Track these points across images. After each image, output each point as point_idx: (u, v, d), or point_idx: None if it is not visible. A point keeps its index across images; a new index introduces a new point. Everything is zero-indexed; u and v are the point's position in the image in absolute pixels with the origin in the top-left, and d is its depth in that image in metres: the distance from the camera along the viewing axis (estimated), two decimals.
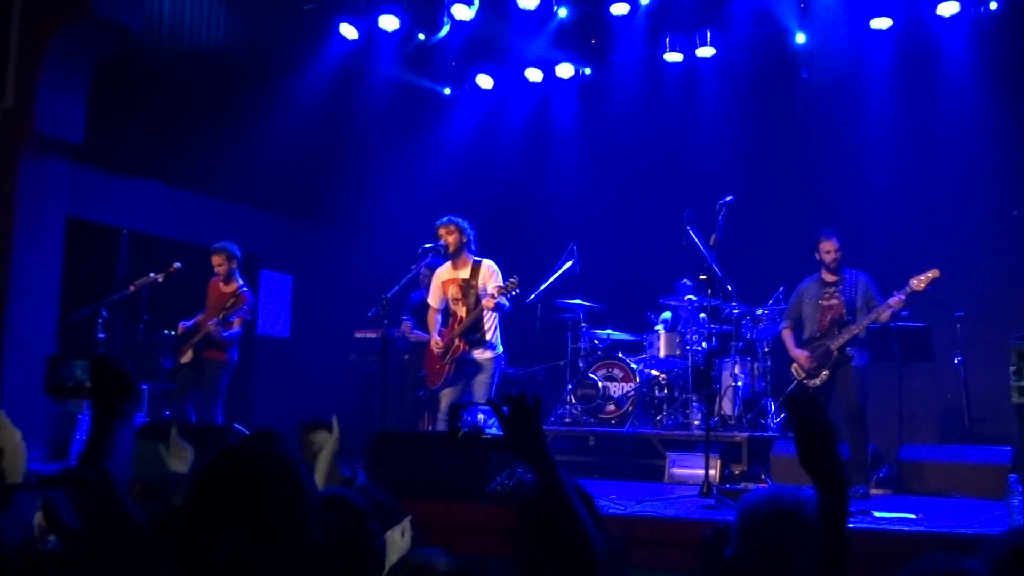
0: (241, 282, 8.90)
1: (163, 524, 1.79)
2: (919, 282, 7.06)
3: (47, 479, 2.14)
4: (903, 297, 7.12)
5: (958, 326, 8.80)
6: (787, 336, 7.73)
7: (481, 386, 7.65)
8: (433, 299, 7.99)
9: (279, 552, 1.71)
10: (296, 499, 1.75)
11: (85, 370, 2.22)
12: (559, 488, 2.27)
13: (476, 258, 7.85)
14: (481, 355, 7.71)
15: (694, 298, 9.24)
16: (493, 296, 7.54)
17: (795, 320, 7.75)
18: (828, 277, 7.57)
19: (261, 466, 1.75)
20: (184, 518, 1.73)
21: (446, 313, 7.94)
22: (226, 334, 8.58)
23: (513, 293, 7.59)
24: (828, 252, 7.50)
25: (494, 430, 2.38)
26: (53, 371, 2.22)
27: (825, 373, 7.34)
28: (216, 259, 8.82)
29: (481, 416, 2.49)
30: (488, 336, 7.71)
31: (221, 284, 8.89)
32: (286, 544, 1.72)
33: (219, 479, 1.74)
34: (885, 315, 7.25)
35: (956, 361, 8.79)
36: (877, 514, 5.64)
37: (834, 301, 7.47)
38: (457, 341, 7.68)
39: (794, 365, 7.58)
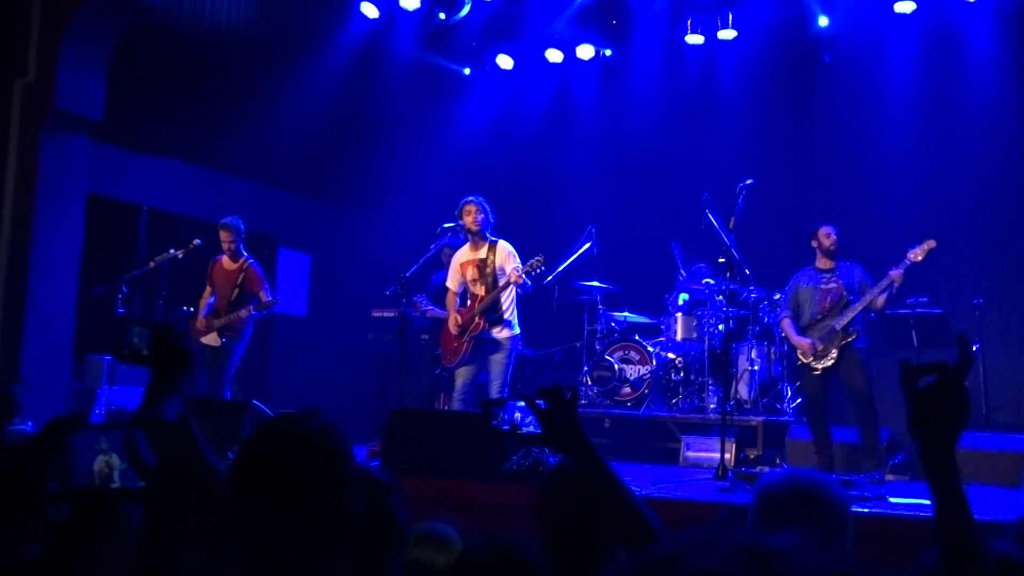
0: (246, 254, 8.90)
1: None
2: (916, 254, 7.10)
3: (124, 421, 2.18)
4: (902, 271, 7.15)
5: (977, 313, 8.77)
6: (787, 325, 7.72)
7: (498, 365, 7.67)
8: (452, 282, 8.01)
9: (322, 521, 1.74)
10: (342, 470, 1.78)
11: (143, 337, 2.26)
12: (606, 476, 2.28)
13: (493, 238, 7.87)
14: (499, 334, 7.73)
15: (712, 281, 9.23)
16: (518, 273, 7.55)
17: (793, 310, 7.76)
18: (823, 264, 7.64)
19: (310, 436, 1.78)
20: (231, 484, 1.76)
21: (464, 295, 7.97)
22: (266, 313, 8.73)
23: (538, 271, 7.62)
24: (828, 236, 7.60)
25: (531, 428, 2.38)
26: (118, 336, 2.27)
27: (834, 353, 7.32)
28: (225, 235, 8.79)
29: (518, 414, 2.49)
30: (506, 315, 7.73)
31: (225, 261, 8.88)
32: (330, 514, 1.75)
33: (267, 448, 1.77)
34: (880, 300, 7.26)
35: (974, 348, 8.76)
36: (893, 499, 5.64)
37: (833, 284, 7.53)
38: (476, 319, 7.71)
39: (799, 351, 7.58)
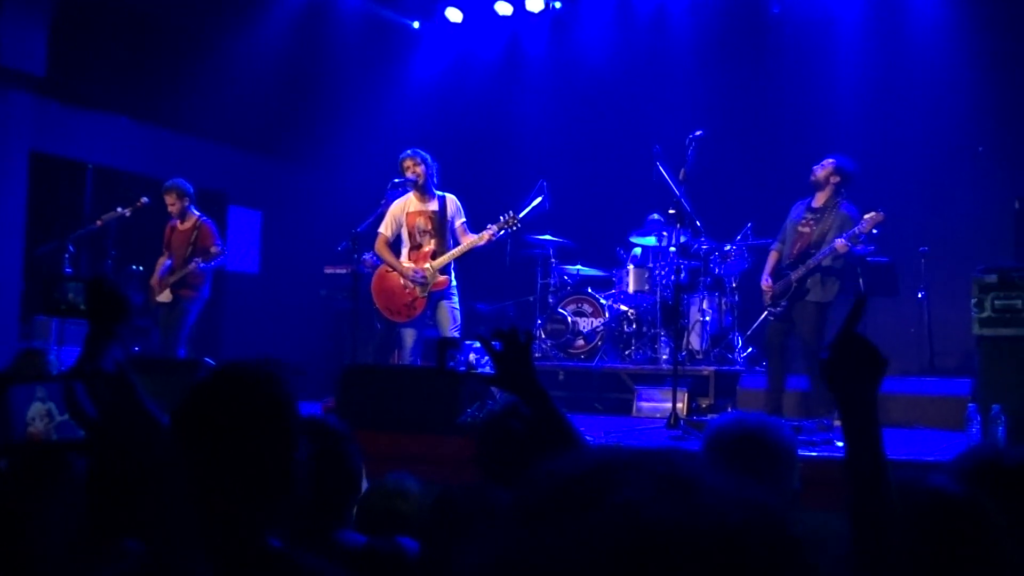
0: (197, 213, 8.80)
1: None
2: (864, 226, 7.01)
3: (62, 373, 2.17)
4: (846, 240, 7.02)
5: (922, 261, 8.92)
6: (769, 260, 7.58)
7: (446, 312, 7.59)
8: (388, 228, 7.76)
9: (264, 468, 1.76)
10: (281, 419, 1.81)
11: (79, 291, 2.24)
12: (557, 420, 2.32)
13: (439, 192, 7.80)
14: (448, 284, 7.73)
15: (664, 234, 9.28)
16: (490, 232, 7.51)
17: (783, 243, 7.54)
18: (816, 201, 7.40)
19: (250, 386, 1.80)
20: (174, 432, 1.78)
21: (398, 243, 7.86)
22: (213, 264, 8.62)
23: (514, 228, 7.60)
24: (818, 167, 7.34)
25: (487, 369, 2.42)
26: (49, 291, 2.26)
27: (783, 304, 7.34)
28: (169, 198, 8.65)
29: (473, 356, 2.53)
30: (451, 267, 7.75)
31: (178, 223, 8.78)
32: (271, 461, 1.77)
33: (209, 398, 1.79)
34: (826, 262, 7.15)
35: (919, 295, 8.93)
36: (840, 443, 5.74)
37: (806, 230, 7.32)
38: (439, 276, 7.63)
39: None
